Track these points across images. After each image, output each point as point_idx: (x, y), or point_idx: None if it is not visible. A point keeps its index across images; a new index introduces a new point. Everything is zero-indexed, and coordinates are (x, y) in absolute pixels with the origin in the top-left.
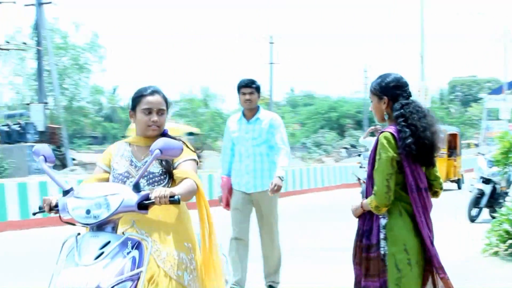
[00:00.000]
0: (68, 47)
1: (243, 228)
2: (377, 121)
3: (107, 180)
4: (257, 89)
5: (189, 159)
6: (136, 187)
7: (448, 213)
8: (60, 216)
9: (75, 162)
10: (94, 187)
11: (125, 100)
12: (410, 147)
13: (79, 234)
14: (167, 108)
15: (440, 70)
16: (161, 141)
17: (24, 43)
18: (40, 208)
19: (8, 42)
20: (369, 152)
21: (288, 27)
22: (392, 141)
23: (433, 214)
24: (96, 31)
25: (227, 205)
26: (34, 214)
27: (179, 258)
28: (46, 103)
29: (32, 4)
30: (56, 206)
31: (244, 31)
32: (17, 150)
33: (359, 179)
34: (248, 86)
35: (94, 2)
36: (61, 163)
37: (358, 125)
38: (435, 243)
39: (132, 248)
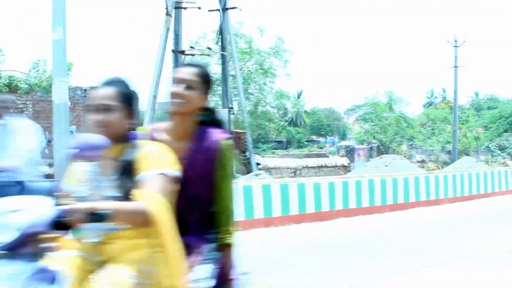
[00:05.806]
0: (252, 52)
1: None
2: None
3: None
4: None
5: (157, 173)
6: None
7: None
8: None
9: (259, 166)
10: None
11: (310, 104)
12: None
13: None
14: (128, 102)
15: None
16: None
17: (209, 48)
18: None
19: (192, 48)
20: None
21: (472, 30)
22: None
23: None
24: (281, 35)
25: None
26: None
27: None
28: (231, 108)
29: (217, 10)
30: None
31: (428, 34)
32: None
33: None
34: None
35: (279, 6)
36: (246, 168)
37: None
38: None
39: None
